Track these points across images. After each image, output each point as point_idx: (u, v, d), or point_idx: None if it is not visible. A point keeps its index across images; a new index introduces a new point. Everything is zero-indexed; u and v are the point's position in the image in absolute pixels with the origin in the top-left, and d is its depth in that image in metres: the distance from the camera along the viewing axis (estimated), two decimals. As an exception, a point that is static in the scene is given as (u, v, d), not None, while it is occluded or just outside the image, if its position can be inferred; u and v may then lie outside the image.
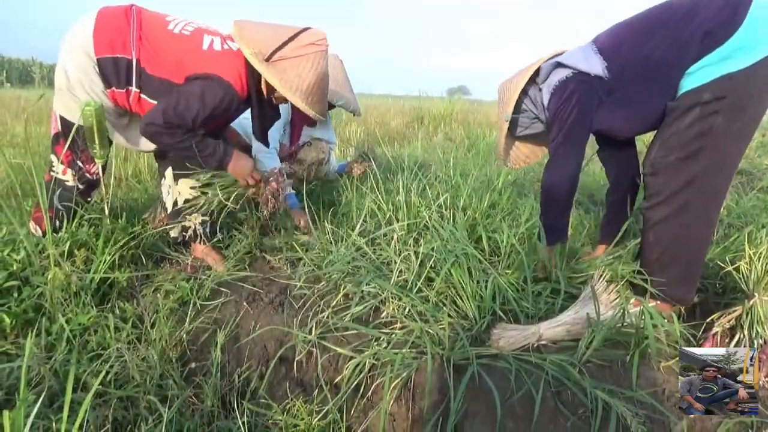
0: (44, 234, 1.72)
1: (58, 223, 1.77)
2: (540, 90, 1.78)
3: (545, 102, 1.74)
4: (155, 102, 1.70)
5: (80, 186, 1.81)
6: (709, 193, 1.45)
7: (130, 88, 1.68)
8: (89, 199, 1.88)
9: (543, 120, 1.85)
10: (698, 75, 1.41)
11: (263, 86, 1.80)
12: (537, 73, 1.78)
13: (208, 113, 1.66)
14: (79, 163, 1.78)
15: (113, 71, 1.65)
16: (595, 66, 1.58)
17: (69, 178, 1.78)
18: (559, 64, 1.68)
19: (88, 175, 1.81)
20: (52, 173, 1.77)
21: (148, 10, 1.76)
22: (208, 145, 1.75)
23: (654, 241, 1.54)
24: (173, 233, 2.05)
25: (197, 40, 1.73)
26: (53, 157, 1.76)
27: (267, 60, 1.68)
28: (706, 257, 1.73)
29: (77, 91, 1.66)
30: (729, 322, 1.40)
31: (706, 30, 1.38)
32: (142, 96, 1.70)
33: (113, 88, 1.67)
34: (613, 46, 1.59)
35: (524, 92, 1.83)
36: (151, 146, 1.86)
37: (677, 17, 1.45)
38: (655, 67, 1.50)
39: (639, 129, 1.67)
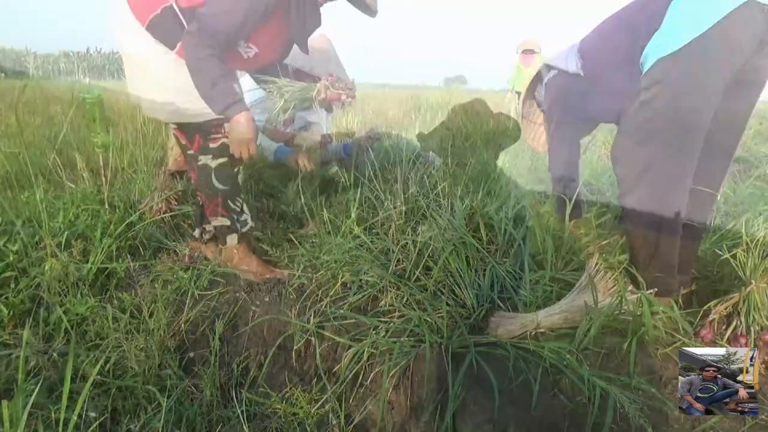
0: (234, 218, 1.77)
1: (237, 202, 1.77)
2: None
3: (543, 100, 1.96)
4: None
5: (221, 159, 1.73)
6: (666, 179, 1.45)
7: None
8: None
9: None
10: (645, 64, 1.44)
11: None
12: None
13: (248, 19, 1.50)
14: (210, 144, 1.71)
15: (163, 28, 1.53)
16: (572, 65, 1.73)
17: (208, 160, 1.71)
18: (547, 65, 1.88)
19: (215, 146, 1.72)
20: (198, 162, 1.71)
21: None
22: (226, 83, 1.56)
23: (631, 230, 1.55)
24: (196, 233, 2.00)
25: None
26: (201, 156, 1.70)
27: None
28: (704, 246, 1.74)
29: (157, 79, 1.55)
30: (726, 309, 1.40)
31: (648, 15, 1.44)
32: None
33: (179, 44, 1.54)
34: (590, 43, 1.73)
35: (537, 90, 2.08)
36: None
37: (637, 7, 1.53)
38: (621, 60, 1.56)
39: None
